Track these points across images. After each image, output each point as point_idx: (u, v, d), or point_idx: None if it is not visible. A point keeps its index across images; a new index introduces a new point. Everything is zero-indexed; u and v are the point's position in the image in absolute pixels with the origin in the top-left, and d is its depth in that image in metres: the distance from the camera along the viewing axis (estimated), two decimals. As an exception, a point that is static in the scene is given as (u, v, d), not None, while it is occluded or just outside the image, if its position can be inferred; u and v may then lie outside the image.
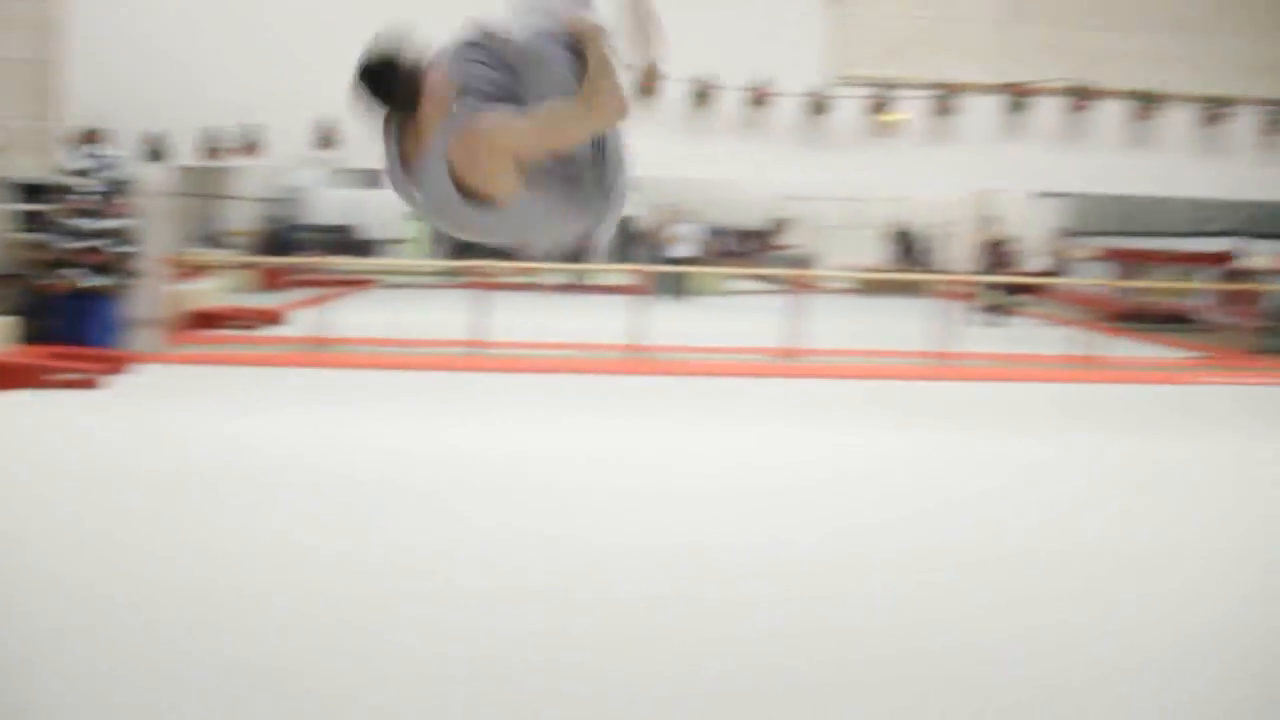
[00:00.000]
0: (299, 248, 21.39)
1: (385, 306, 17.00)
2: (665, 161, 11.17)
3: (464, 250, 22.51)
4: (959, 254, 24.02)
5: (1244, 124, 11.64)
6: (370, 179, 27.31)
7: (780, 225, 27.23)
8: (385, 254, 26.23)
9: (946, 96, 11.08)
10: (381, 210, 26.72)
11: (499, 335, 11.47)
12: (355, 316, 13.68)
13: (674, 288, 18.83)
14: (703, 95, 10.77)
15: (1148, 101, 11.39)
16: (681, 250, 18.33)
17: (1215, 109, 11.50)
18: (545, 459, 6.82)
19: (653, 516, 5.60)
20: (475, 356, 11.04)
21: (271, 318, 13.71)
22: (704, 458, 7.04)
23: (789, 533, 5.40)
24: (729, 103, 10.90)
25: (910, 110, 11.13)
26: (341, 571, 4.58)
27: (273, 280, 18.12)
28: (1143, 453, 7.78)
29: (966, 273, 18.90)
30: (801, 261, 23.47)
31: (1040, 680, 3.78)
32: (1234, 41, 11.65)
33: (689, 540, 5.21)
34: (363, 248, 25.96)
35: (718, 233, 25.15)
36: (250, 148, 10.55)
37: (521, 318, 14.41)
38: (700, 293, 19.29)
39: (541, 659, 3.79)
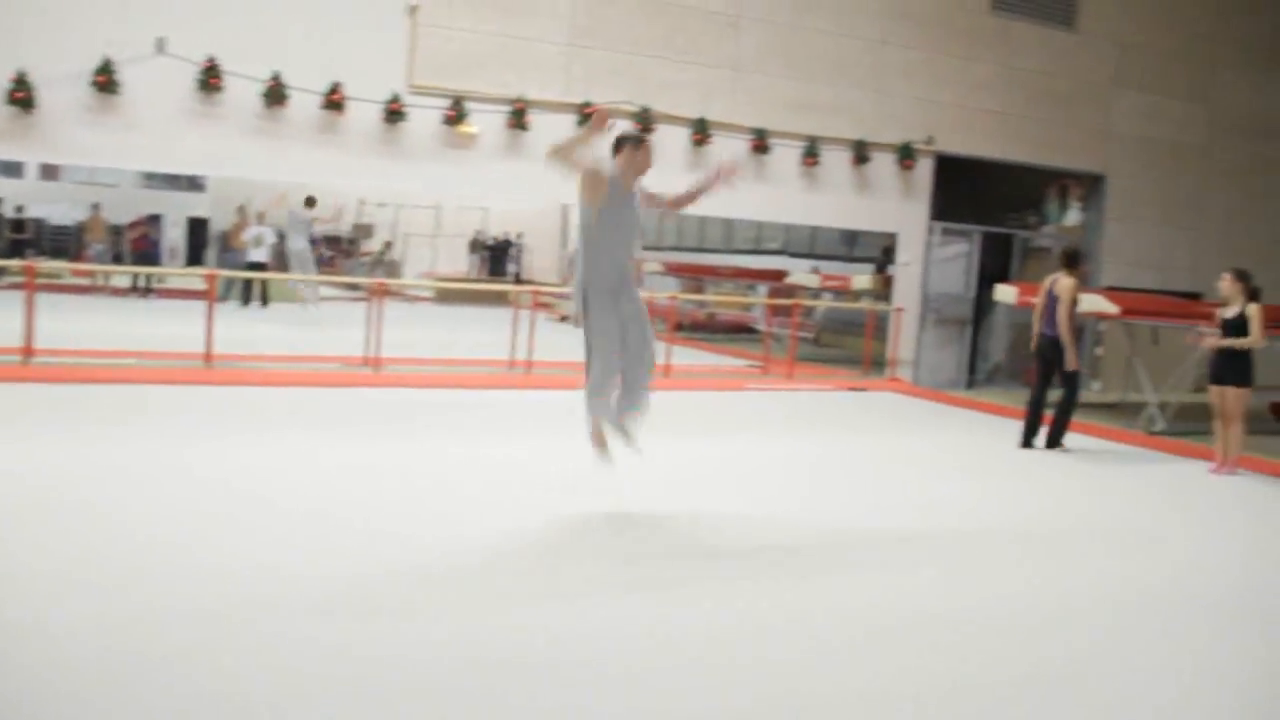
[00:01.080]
0: None
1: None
2: (236, 162, 10.77)
3: (14, 249, 20.54)
4: (539, 264, 24.80)
5: (787, 155, 12.88)
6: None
7: (362, 232, 26.84)
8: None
9: (518, 112, 11.44)
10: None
11: (51, 342, 10.57)
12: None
13: (249, 294, 18.06)
14: (276, 95, 10.46)
15: (702, 130, 12.33)
16: (256, 255, 17.44)
17: (761, 139, 12.65)
18: (89, 478, 6.39)
19: (219, 537, 5.42)
20: (20, 366, 10.11)
21: None
22: (280, 471, 6.88)
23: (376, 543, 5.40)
24: (304, 105, 10.67)
25: (484, 123, 11.38)
26: None
27: None
28: (700, 453, 8.42)
29: (547, 283, 19.55)
30: (383, 268, 23.30)
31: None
32: (775, 81, 12.85)
33: (260, 560, 5.08)
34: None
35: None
36: None
37: (82, 323, 13.36)
38: (279, 300, 18.59)
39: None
